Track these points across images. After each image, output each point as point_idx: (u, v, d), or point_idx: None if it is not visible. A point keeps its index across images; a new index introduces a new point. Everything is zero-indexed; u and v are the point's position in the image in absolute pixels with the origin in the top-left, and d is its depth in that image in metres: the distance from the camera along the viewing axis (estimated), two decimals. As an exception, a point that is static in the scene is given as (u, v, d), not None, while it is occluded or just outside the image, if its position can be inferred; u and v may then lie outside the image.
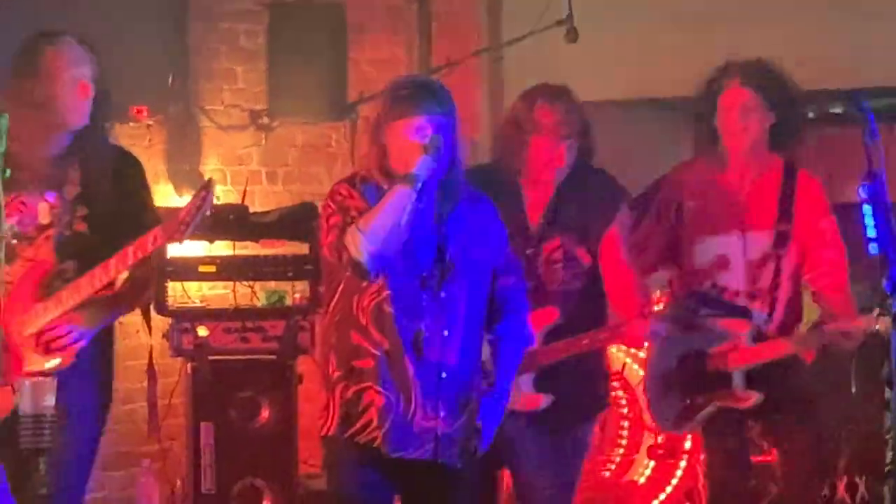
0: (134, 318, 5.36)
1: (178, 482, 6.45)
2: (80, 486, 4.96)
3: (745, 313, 5.19)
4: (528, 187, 5.09)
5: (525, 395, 4.95)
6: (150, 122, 5.32)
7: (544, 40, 7.62)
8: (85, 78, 4.86)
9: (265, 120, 7.69)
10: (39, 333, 4.76)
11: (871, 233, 4.90)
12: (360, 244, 4.34)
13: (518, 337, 4.72)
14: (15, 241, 4.77)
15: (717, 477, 5.34)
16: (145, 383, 6.45)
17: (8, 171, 4.37)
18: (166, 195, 7.15)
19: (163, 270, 6.44)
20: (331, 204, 4.51)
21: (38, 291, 4.77)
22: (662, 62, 7.90)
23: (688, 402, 5.26)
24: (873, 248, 4.92)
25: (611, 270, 5.06)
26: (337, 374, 4.50)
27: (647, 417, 6.59)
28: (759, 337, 5.21)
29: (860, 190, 4.95)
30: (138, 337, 6.43)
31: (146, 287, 5.07)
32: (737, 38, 7.56)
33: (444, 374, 4.48)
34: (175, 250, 5.92)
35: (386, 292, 4.44)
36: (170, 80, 7.18)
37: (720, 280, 5.22)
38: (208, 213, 4.60)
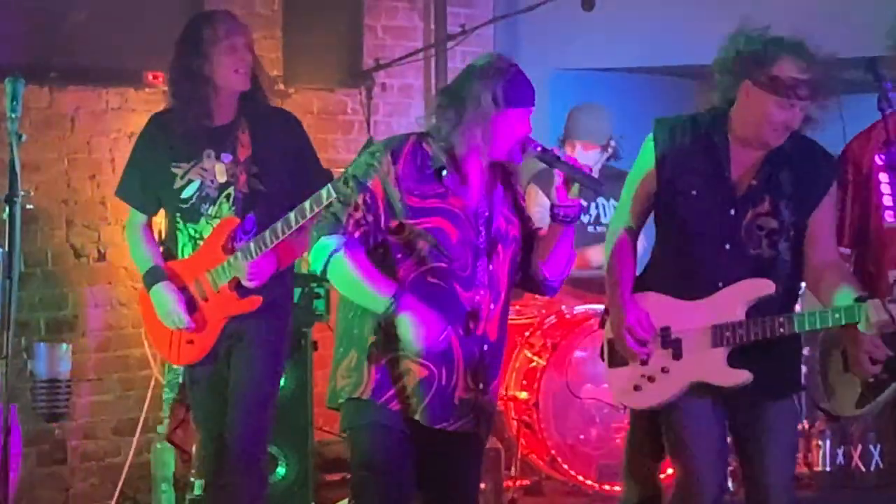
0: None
1: (194, 447, 6.45)
2: (264, 420, 5.37)
3: None
4: (739, 144, 4.72)
5: (723, 370, 4.68)
6: (166, 88, 5.34)
7: (560, 7, 7.62)
8: (242, 46, 5.31)
9: (281, 86, 7.67)
10: (233, 282, 5.24)
11: (889, 201, 4.90)
12: None
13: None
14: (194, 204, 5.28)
15: None
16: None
17: (24, 136, 4.49)
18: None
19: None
20: (369, 186, 4.36)
21: (227, 245, 5.25)
22: (677, 30, 7.88)
23: (871, 380, 4.88)
24: (890, 216, 4.92)
25: (821, 248, 4.76)
26: (373, 338, 4.45)
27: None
28: None
29: (877, 158, 4.94)
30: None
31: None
32: (753, 5, 7.54)
33: (486, 347, 4.49)
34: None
35: (429, 265, 4.40)
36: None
37: None
38: None
